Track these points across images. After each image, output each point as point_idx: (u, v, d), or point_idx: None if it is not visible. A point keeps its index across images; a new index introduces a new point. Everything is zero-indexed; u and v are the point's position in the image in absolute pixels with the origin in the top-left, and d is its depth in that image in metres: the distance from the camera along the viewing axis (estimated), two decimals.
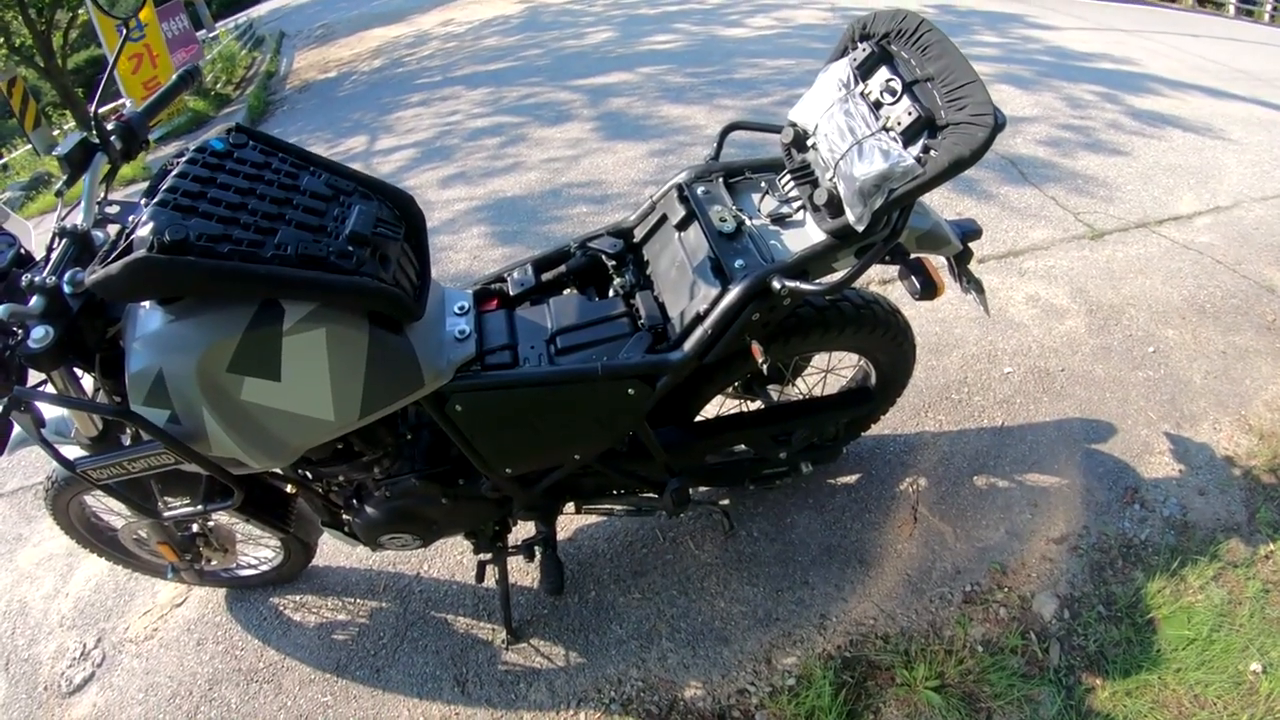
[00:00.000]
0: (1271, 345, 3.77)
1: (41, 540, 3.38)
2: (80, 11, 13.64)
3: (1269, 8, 18.46)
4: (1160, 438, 3.19)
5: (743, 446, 2.70)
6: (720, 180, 2.20)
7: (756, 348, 1.91)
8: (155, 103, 2.01)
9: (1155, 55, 9.32)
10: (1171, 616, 2.52)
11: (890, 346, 2.43)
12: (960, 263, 2.20)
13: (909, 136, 1.68)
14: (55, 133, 13.68)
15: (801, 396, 2.76)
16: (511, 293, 2.17)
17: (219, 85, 12.85)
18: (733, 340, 1.88)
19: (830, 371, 2.80)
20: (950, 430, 3.18)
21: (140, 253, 1.32)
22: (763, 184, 2.18)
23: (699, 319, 1.88)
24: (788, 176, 2.04)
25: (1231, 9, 17.90)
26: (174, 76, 2.07)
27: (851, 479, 3.00)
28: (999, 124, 1.55)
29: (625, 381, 1.88)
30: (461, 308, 1.98)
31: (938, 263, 1.98)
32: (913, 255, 1.91)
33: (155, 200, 1.42)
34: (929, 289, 1.84)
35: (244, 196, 1.52)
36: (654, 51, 9.20)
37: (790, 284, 1.77)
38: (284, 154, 1.72)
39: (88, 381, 1.71)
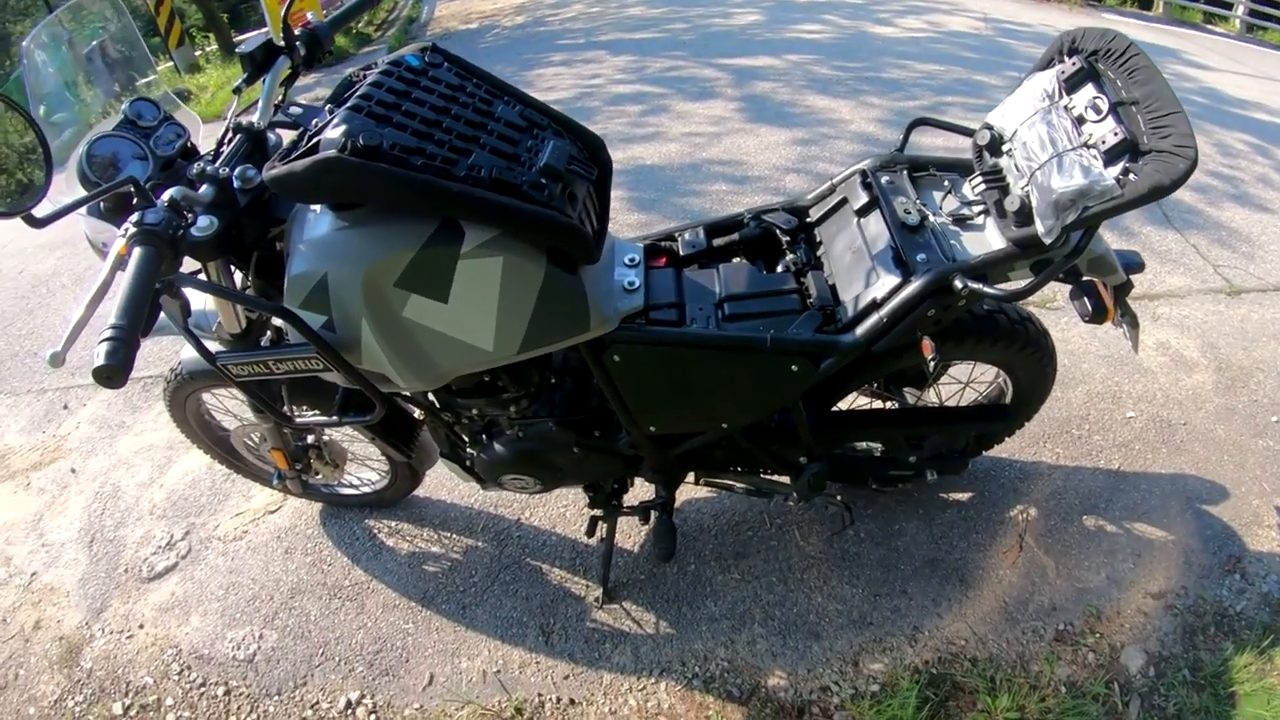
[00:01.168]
0: None
1: (144, 430, 3.49)
2: None
3: None
4: (1271, 511, 3.08)
5: (874, 444, 2.69)
6: (905, 172, 2.15)
7: (927, 344, 1.87)
8: (342, 15, 2.04)
9: None
10: (1253, 694, 2.45)
11: (1035, 366, 2.39)
12: (1120, 294, 2.14)
13: (1111, 157, 1.63)
14: (197, 53, 14.08)
15: (936, 404, 2.73)
16: (682, 253, 2.15)
17: (360, 23, 13.06)
18: (905, 332, 1.85)
19: (969, 384, 2.77)
20: (1067, 465, 3.12)
21: (330, 152, 1.32)
22: (946, 183, 2.14)
23: (875, 306, 1.85)
24: (979, 178, 1.98)
25: None
26: None
27: (964, 496, 2.96)
28: (1195, 159, 1.52)
29: (791, 357, 1.86)
30: (632, 259, 1.96)
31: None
32: (1085, 277, 1.88)
33: (348, 105, 1.42)
34: (1100, 313, 1.80)
35: (438, 115, 1.52)
36: (801, 40, 9.07)
37: (973, 285, 1.73)
38: (479, 80, 1.72)
39: (239, 278, 1.73)
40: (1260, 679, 2.47)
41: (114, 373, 1.12)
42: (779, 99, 6.89)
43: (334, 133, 1.34)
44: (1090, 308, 1.80)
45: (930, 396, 2.73)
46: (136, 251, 1.28)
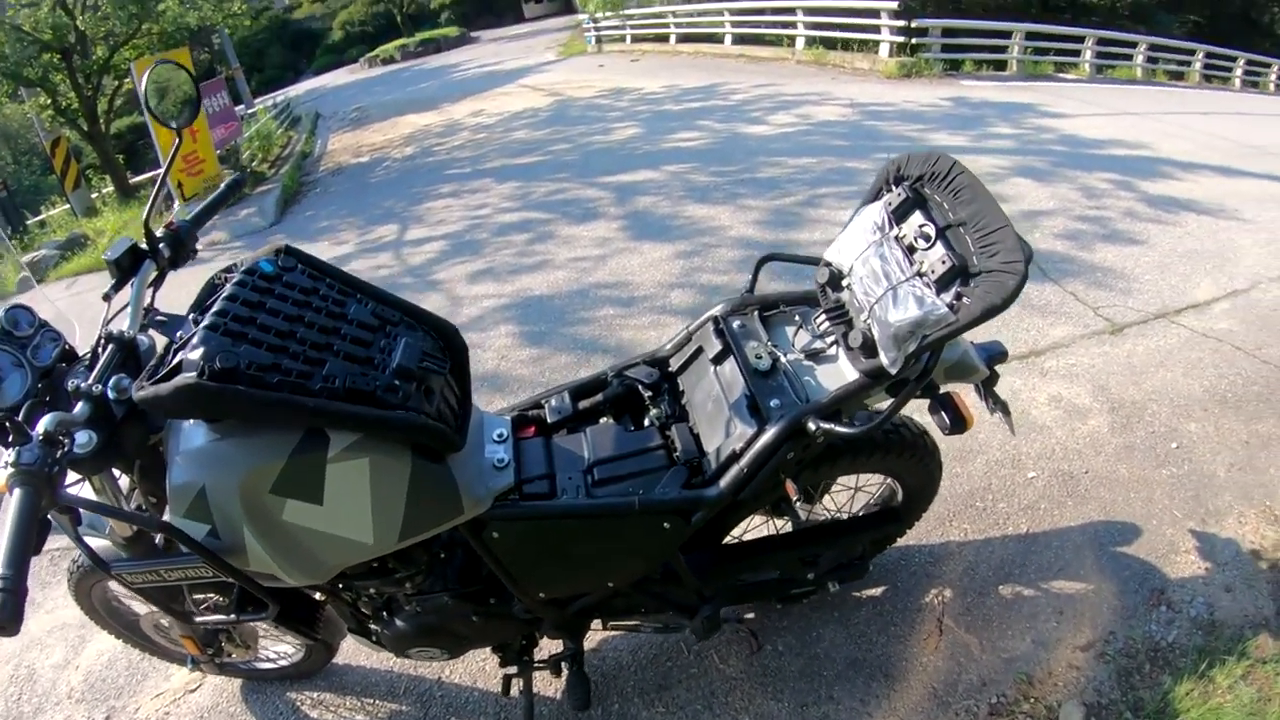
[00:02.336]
0: None
1: (55, 608, 3.41)
2: (125, 80, 14.01)
3: (1274, 78, 18.73)
4: (1186, 536, 3.15)
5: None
6: (755, 314, 2.25)
7: (791, 485, 1.96)
8: (204, 211, 2.10)
9: (1167, 137, 9.44)
10: (1201, 719, 2.46)
11: (918, 468, 2.44)
12: (987, 386, 2.22)
13: (943, 283, 1.71)
14: (94, 195, 14.00)
15: (829, 515, 2.75)
16: (549, 420, 2.23)
17: (255, 163, 13.17)
18: (768, 478, 1.91)
19: (858, 489, 2.76)
20: (975, 539, 3.15)
21: (190, 377, 1.36)
22: (797, 317, 2.23)
23: (735, 457, 1.92)
24: (823, 315, 2.09)
25: (1237, 82, 18.17)
26: (222, 185, 2.18)
27: (877, 591, 2.98)
28: (1029, 257, 1.61)
29: (661, 516, 1.92)
30: (500, 435, 2.01)
31: (965, 390, 2.05)
32: (942, 390, 1.97)
33: (205, 323, 1.46)
34: (959, 424, 1.89)
35: (292, 324, 1.56)
36: (679, 149, 9.37)
37: (825, 425, 1.81)
38: (331, 279, 1.76)
39: (125, 481, 1.76)
40: (1205, 702, 2.49)
41: (5, 624, 1.15)
42: (660, 212, 7.12)
43: (193, 354, 1.39)
44: (948, 420, 1.90)
45: (827, 505, 2.76)
46: (16, 492, 1.30)
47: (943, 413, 1.91)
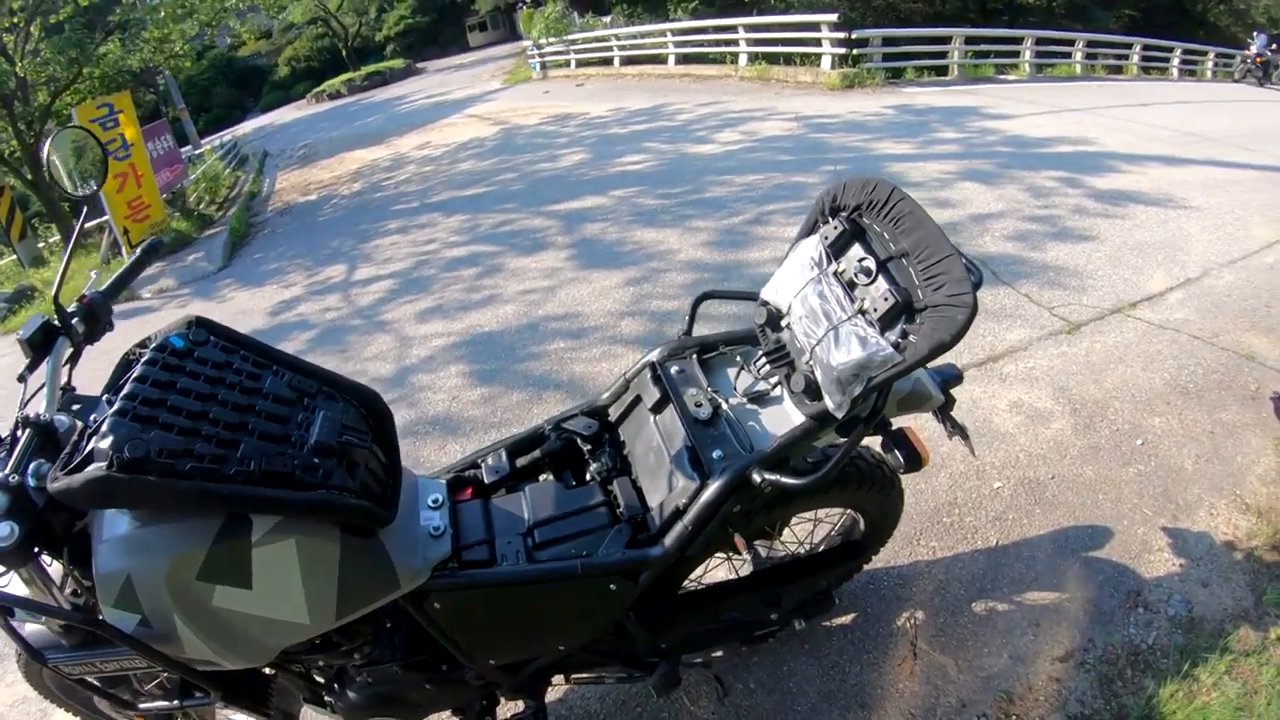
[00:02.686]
0: (1257, 416, 3.79)
1: (15, 680, 3.31)
2: (71, 126, 13.84)
3: (1210, 64, 19.18)
4: (1158, 534, 3.13)
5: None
6: (694, 357, 2.19)
7: (739, 540, 1.93)
8: (117, 282, 2.01)
9: (1110, 131, 9.62)
10: None
11: (878, 498, 2.39)
12: (944, 412, 2.15)
13: (886, 321, 1.65)
14: (40, 245, 13.77)
15: (789, 551, 2.68)
16: (486, 480, 2.17)
17: (202, 205, 13.05)
18: (715, 532, 1.88)
19: (818, 521, 2.69)
20: (944, 556, 3.10)
21: (99, 469, 1.31)
22: (738, 359, 2.18)
23: (678, 513, 1.87)
24: (763, 358, 2.03)
25: (1175, 72, 18.62)
26: (138, 250, 2.09)
27: (846, 619, 2.92)
28: (977, 283, 1.55)
29: (606, 578, 1.87)
30: (435, 500, 1.94)
31: (921, 418, 2.01)
32: (895, 426, 1.91)
33: (114, 408, 1.41)
34: (914, 462, 1.82)
35: (205, 403, 1.50)
36: (626, 173, 9.37)
37: (770, 476, 1.76)
38: (246, 351, 1.70)
39: (57, 568, 1.67)
40: (1190, 702, 2.48)
41: None
42: (608, 239, 7.09)
43: (103, 443, 1.33)
44: (902, 459, 1.82)
45: (780, 543, 2.68)
46: None
47: (896, 451, 1.84)
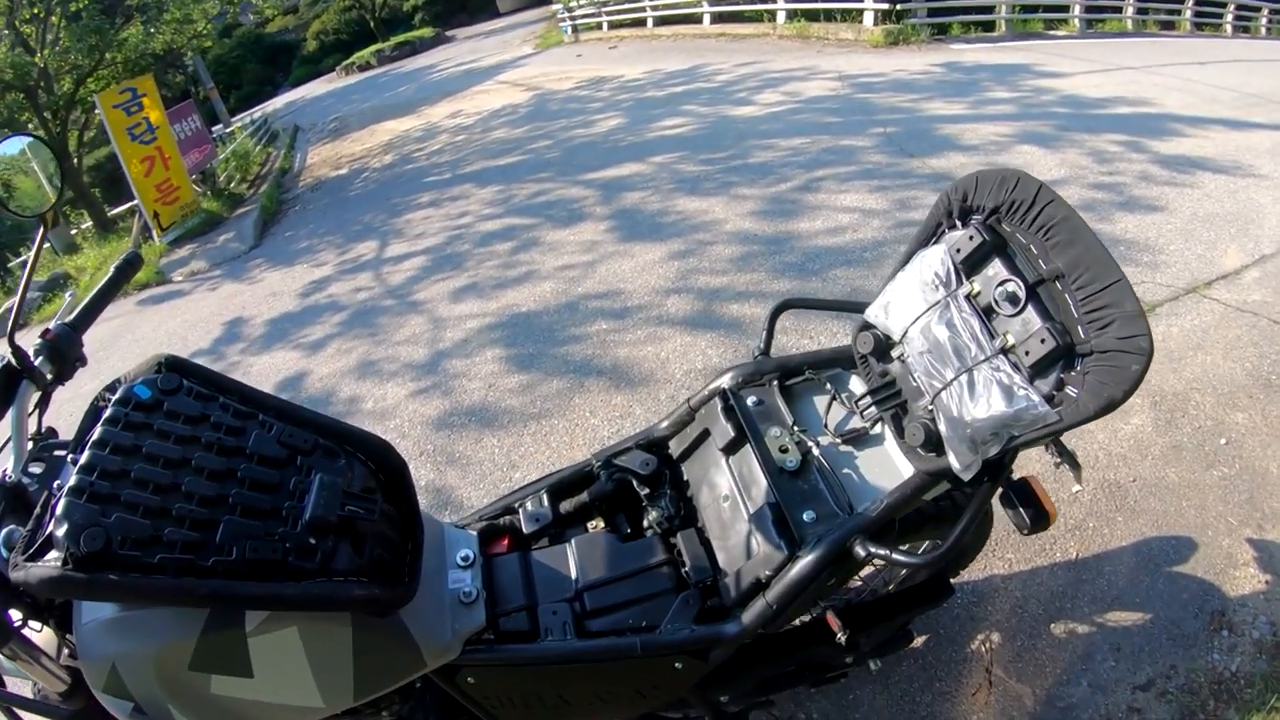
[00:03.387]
0: None
1: None
2: (95, 113, 13.74)
3: (1264, 21, 18.69)
4: (1243, 546, 2.91)
5: None
6: (775, 384, 1.86)
7: (833, 619, 1.62)
8: (88, 309, 1.70)
9: (1168, 91, 9.27)
10: None
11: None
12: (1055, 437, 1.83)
13: (1039, 368, 1.31)
14: (73, 232, 13.76)
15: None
16: (525, 529, 1.85)
17: (233, 184, 12.89)
18: (802, 608, 1.60)
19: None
20: (1022, 570, 2.85)
21: (54, 565, 1.09)
22: (828, 386, 1.85)
23: (760, 585, 1.57)
24: (867, 399, 1.69)
25: (1229, 28, 18.13)
26: (112, 269, 1.77)
27: (918, 642, 2.68)
28: (1151, 350, 1.21)
29: (671, 657, 1.58)
30: (466, 558, 1.65)
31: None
32: (1016, 477, 1.57)
33: (70, 484, 1.16)
34: (1041, 520, 1.50)
35: (177, 472, 1.23)
36: (664, 138, 9.05)
37: (877, 550, 1.45)
38: (225, 397, 1.40)
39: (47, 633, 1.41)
40: None
41: None
42: (649, 209, 6.76)
43: (59, 530, 1.10)
44: (1028, 519, 1.51)
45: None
46: None
47: (1020, 509, 1.51)
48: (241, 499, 1.26)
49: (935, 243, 1.56)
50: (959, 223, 1.52)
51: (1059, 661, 2.59)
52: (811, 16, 15.60)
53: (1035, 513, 1.51)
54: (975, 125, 7.96)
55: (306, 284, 6.89)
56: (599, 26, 21.58)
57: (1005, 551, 2.93)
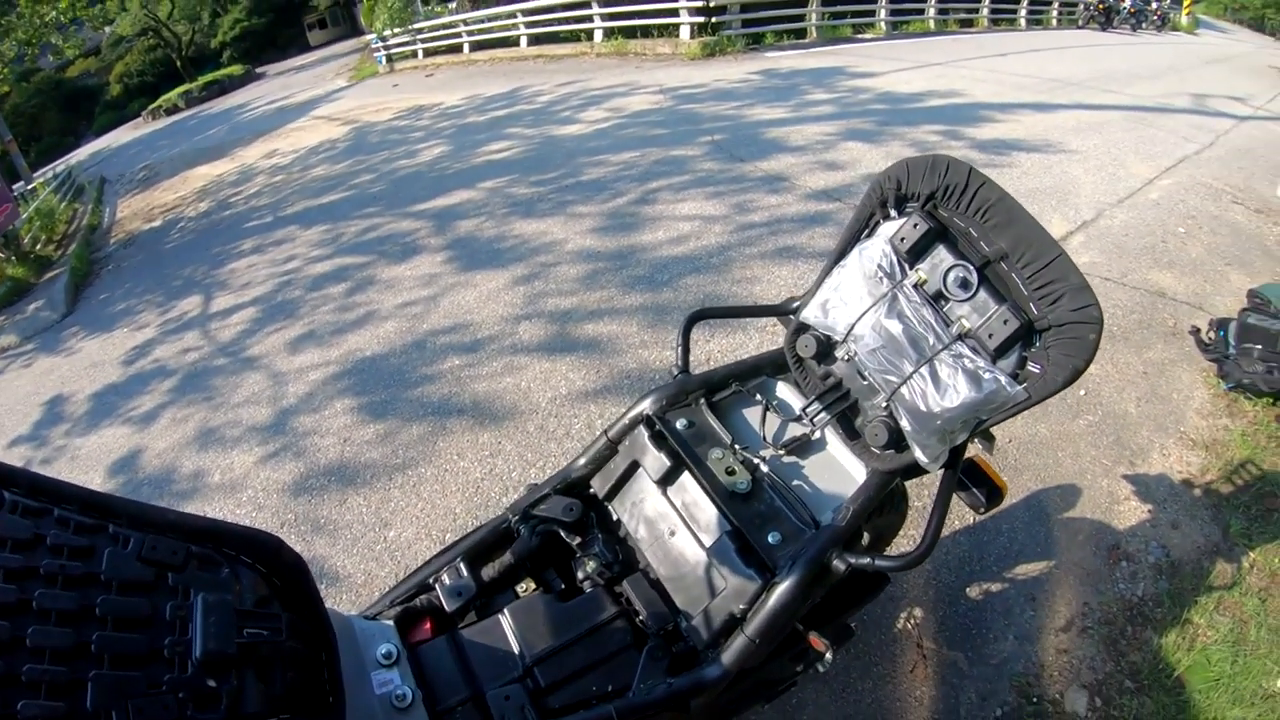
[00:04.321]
0: (1181, 351, 4.01)
1: None
2: None
3: (1054, 12, 20.23)
4: (1120, 483, 3.21)
5: None
6: (702, 402, 1.76)
7: (817, 640, 1.53)
8: None
9: (975, 82, 9.98)
10: (1192, 666, 2.52)
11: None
12: None
13: (1002, 349, 1.31)
14: None
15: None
16: (447, 606, 1.63)
17: (39, 246, 12.01)
18: (782, 634, 1.50)
19: None
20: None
21: None
22: (757, 396, 1.78)
23: (735, 621, 1.47)
24: (815, 404, 1.63)
25: (1023, 22, 19.66)
26: None
27: None
28: (1102, 319, 1.24)
29: (651, 717, 1.44)
30: (388, 655, 1.41)
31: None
32: (964, 456, 1.54)
33: None
34: (995, 497, 1.54)
35: (16, 621, 0.91)
36: (492, 162, 8.89)
37: (857, 561, 1.40)
38: (62, 505, 1.07)
39: None
40: (1190, 646, 2.58)
41: None
42: (486, 236, 6.59)
43: None
44: (983, 497, 1.55)
45: None
46: None
47: (973, 490, 1.50)
48: (108, 645, 0.97)
49: (869, 235, 1.53)
50: (894, 212, 1.50)
51: (981, 621, 2.74)
52: (629, 34, 15.85)
53: (989, 490, 1.57)
54: (800, 127, 8.18)
55: (129, 350, 6.38)
56: (414, 55, 21.33)
57: (906, 529, 2.93)
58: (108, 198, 15.53)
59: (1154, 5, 20.83)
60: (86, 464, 4.58)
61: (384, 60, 21.87)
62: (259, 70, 35.54)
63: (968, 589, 2.83)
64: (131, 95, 38.39)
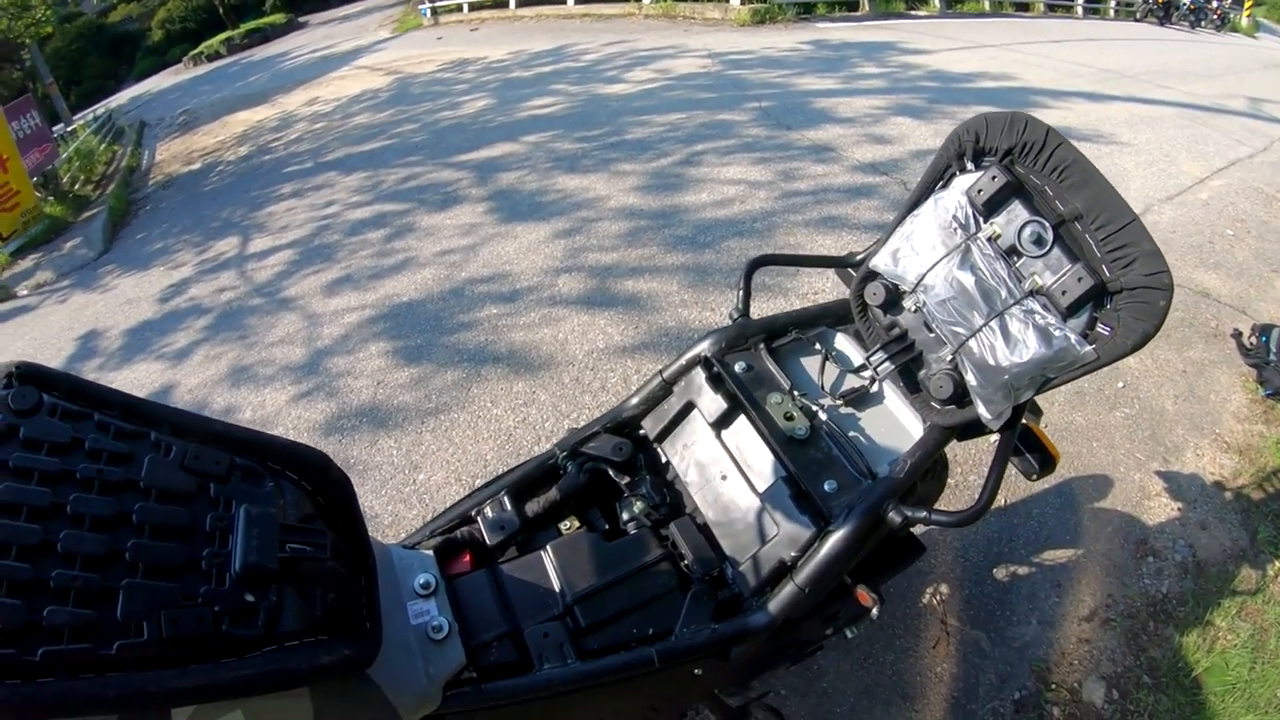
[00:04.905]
0: (1223, 353, 4.00)
1: None
2: None
3: (1113, 4, 19.85)
4: (1152, 479, 3.19)
5: None
6: (762, 348, 1.72)
7: (864, 594, 1.48)
8: None
9: (1028, 67, 9.91)
10: (1211, 668, 2.51)
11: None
12: None
13: (1074, 308, 1.28)
14: None
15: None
16: (489, 540, 1.58)
17: (77, 186, 12.05)
18: (832, 585, 1.45)
19: None
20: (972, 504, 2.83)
21: None
22: (816, 345, 1.74)
23: (785, 569, 1.43)
24: (879, 352, 1.58)
25: (1080, 10, 19.26)
26: None
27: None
28: (1172, 285, 1.22)
29: (691, 663, 1.40)
30: (426, 585, 1.35)
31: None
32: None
33: None
34: (1048, 464, 1.51)
35: (48, 524, 0.87)
36: (536, 117, 8.80)
37: (915, 514, 1.36)
38: (103, 412, 1.03)
39: None
40: (1210, 648, 2.57)
41: None
42: (528, 189, 6.52)
43: None
44: (1036, 464, 1.53)
45: None
46: None
47: (1027, 455, 1.45)
48: (143, 553, 0.92)
49: (944, 187, 1.49)
50: (971, 165, 1.45)
51: (1006, 603, 2.74)
52: None
53: (1042, 457, 1.54)
54: (848, 99, 8.08)
55: (165, 288, 6.36)
56: (459, 8, 21.06)
57: (939, 505, 2.89)
58: (147, 141, 15.57)
59: (1214, 4, 20.39)
60: None
61: (428, 13, 21.71)
62: (302, 19, 35.44)
63: (995, 570, 2.83)
64: (173, 41, 38.35)
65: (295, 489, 1.15)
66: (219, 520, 1.00)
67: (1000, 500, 2.99)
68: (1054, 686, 2.49)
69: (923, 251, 1.46)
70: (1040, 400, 3.22)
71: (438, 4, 21.63)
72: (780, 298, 4.29)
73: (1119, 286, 1.25)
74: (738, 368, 1.66)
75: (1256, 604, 2.71)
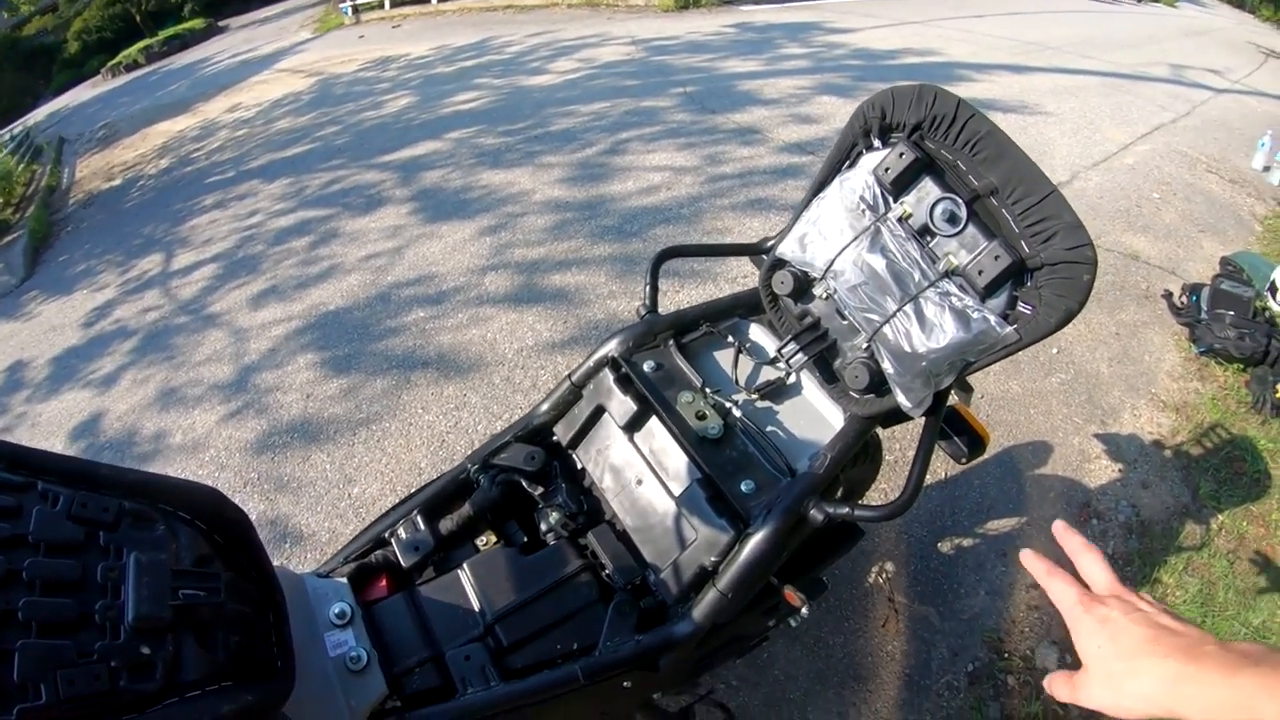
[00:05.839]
0: (1153, 314, 4.12)
1: None
2: None
3: None
4: (1092, 441, 3.28)
5: None
6: (671, 344, 1.68)
7: (792, 594, 1.48)
8: None
9: (951, 41, 10.12)
10: None
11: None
12: None
13: (992, 287, 1.24)
14: None
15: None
16: (403, 562, 1.53)
17: None
18: (756, 588, 1.43)
19: None
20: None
21: None
22: (729, 338, 1.70)
23: (706, 574, 1.40)
24: (791, 344, 1.54)
25: None
26: None
27: None
28: (1096, 260, 1.17)
29: (619, 676, 1.38)
30: (341, 614, 1.32)
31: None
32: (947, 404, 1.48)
33: None
34: (977, 446, 1.49)
35: None
36: (460, 113, 8.74)
37: (837, 511, 1.33)
38: None
39: None
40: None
41: None
42: (452, 187, 6.47)
43: None
44: (965, 446, 1.51)
45: None
46: None
47: (955, 439, 1.45)
48: (35, 611, 0.87)
49: (850, 167, 1.44)
50: (878, 142, 1.40)
51: (953, 576, 2.78)
52: None
53: (970, 439, 1.52)
54: (773, 80, 8.17)
55: (89, 312, 6.21)
56: (381, 5, 20.84)
57: (878, 482, 2.92)
58: (66, 157, 15.20)
59: None
60: (48, 430, 4.45)
61: (349, 11, 21.41)
62: (221, 24, 34.76)
63: (939, 544, 2.87)
64: (90, 52, 37.42)
65: (189, 530, 1.10)
66: (110, 571, 0.96)
67: (940, 473, 3.02)
68: (1007, 656, 2.53)
69: (830, 236, 1.42)
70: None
71: (359, 2, 21.37)
72: (710, 284, 4.28)
73: (1039, 263, 1.21)
74: (646, 367, 1.63)
75: (1203, 558, 2.79)
